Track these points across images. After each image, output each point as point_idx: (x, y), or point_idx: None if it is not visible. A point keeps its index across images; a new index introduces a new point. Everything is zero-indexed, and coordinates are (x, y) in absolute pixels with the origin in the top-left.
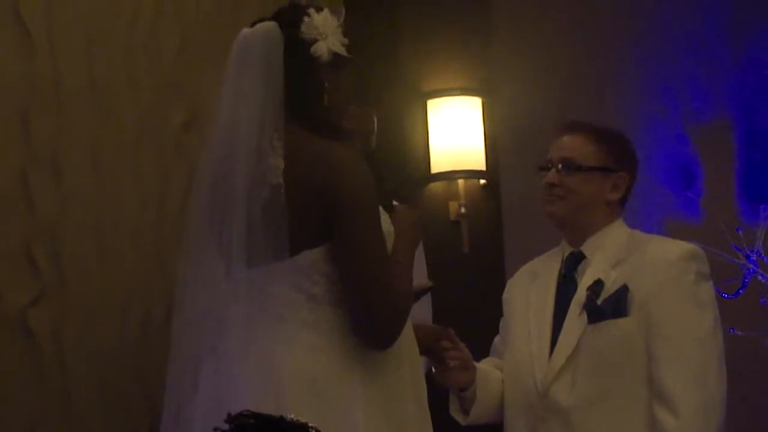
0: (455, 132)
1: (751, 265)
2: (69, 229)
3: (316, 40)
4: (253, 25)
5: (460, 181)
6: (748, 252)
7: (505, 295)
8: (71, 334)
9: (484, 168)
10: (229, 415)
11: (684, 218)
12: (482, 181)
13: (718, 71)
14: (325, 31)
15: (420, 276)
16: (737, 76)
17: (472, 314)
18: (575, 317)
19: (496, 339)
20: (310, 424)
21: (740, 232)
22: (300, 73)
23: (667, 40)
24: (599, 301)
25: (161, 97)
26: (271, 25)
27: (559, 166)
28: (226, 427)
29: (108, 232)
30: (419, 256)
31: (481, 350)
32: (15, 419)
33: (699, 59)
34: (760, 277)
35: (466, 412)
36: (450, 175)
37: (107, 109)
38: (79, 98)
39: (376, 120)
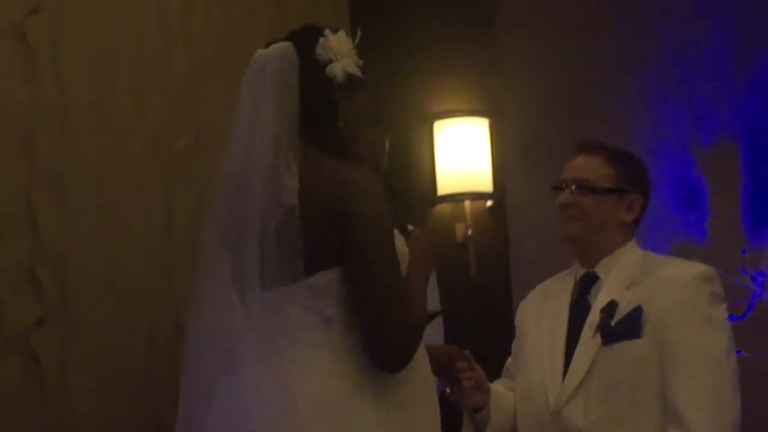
0: (462, 153)
1: (757, 288)
2: (73, 251)
3: (331, 61)
4: (267, 46)
5: (467, 203)
6: (754, 274)
7: (517, 317)
8: (75, 355)
9: (491, 190)
10: None
11: (690, 240)
12: (489, 203)
13: (724, 94)
14: (341, 52)
15: (432, 300)
16: (743, 99)
17: (479, 335)
18: (589, 338)
19: (509, 361)
20: None
21: (746, 254)
22: (315, 93)
23: (674, 62)
24: (613, 323)
25: (167, 119)
26: (286, 46)
27: (573, 186)
28: None
29: (112, 254)
30: (431, 280)
31: (490, 371)
32: None
33: (705, 82)
34: (766, 300)
35: None
36: (457, 197)
37: (112, 131)
38: (84, 120)
39: (387, 142)
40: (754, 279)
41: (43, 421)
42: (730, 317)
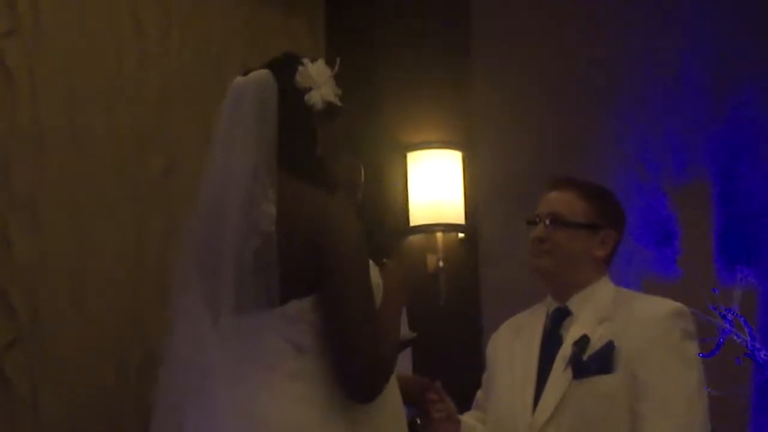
0: (435, 185)
1: (727, 325)
2: (46, 275)
3: (310, 89)
4: (245, 73)
5: (439, 234)
6: (724, 312)
7: (488, 350)
8: (46, 378)
9: (462, 221)
10: None
11: (661, 277)
12: (461, 235)
13: (696, 130)
14: (319, 81)
15: (402, 328)
16: (716, 136)
17: (449, 366)
18: (560, 372)
19: (479, 393)
20: None
21: (716, 292)
22: (294, 121)
23: (646, 98)
24: (584, 357)
25: (141, 144)
26: (264, 73)
27: (547, 221)
28: None
29: (85, 278)
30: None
31: (459, 401)
32: None
33: (678, 118)
34: (735, 337)
35: None
36: (429, 228)
37: (87, 156)
38: (59, 144)
39: (363, 171)
40: (723, 316)
41: None
42: (700, 354)
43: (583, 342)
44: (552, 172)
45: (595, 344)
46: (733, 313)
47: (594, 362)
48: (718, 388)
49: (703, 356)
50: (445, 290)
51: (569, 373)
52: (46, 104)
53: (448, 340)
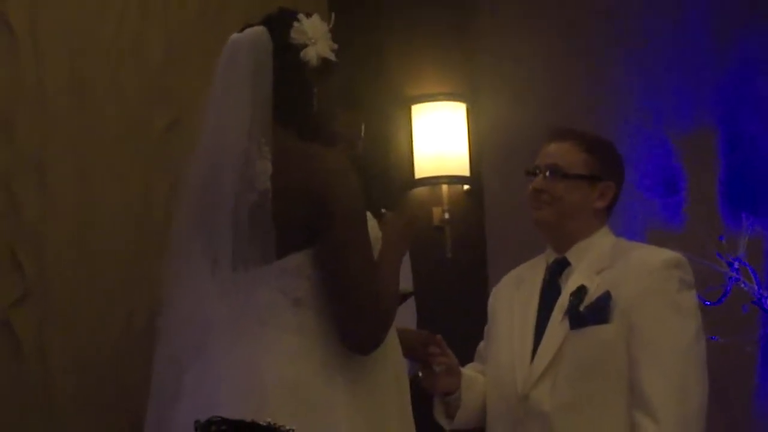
0: (439, 137)
1: (734, 273)
2: (53, 232)
3: (305, 45)
4: (242, 30)
5: (444, 187)
6: (731, 260)
7: (490, 302)
8: (54, 335)
9: (467, 174)
10: (197, 422)
11: (667, 226)
12: (466, 187)
13: (701, 78)
14: (315, 36)
15: (405, 281)
16: (720, 84)
17: (454, 319)
18: (557, 323)
19: (481, 345)
20: (286, 427)
21: (723, 240)
22: (289, 78)
23: (651, 47)
24: (582, 308)
25: (145, 100)
26: (260, 30)
27: (547, 172)
28: None
29: (91, 235)
30: (404, 262)
31: (464, 355)
32: None
33: (682, 66)
34: (742, 285)
35: (450, 416)
36: (434, 181)
37: (91, 113)
38: (64, 101)
39: (363, 126)
40: (730, 264)
41: (21, 397)
42: (707, 303)
43: (580, 293)
44: (556, 124)
45: (593, 295)
46: (739, 261)
47: (590, 312)
48: (725, 336)
49: (709, 304)
50: (451, 242)
51: (566, 323)
52: (49, 62)
53: (454, 293)
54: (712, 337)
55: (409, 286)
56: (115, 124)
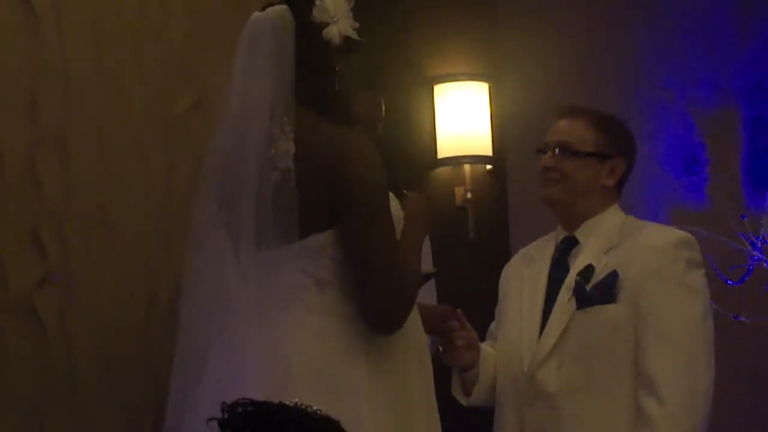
0: (462, 117)
1: (756, 252)
2: (75, 213)
3: (327, 24)
4: (264, 8)
5: (467, 167)
6: (753, 239)
7: (501, 280)
8: (77, 316)
9: (490, 153)
10: (223, 404)
11: (689, 205)
12: (488, 167)
13: (724, 58)
14: (337, 15)
15: (425, 262)
16: (743, 63)
17: (476, 299)
18: (564, 302)
19: (492, 325)
20: (313, 407)
21: (745, 219)
22: (311, 57)
23: (674, 26)
24: (588, 287)
25: (169, 79)
26: (282, 9)
27: (556, 150)
28: (222, 416)
29: (114, 216)
30: (425, 242)
31: (485, 335)
32: (21, 400)
33: (705, 45)
34: (765, 264)
35: (467, 393)
36: (456, 161)
37: (115, 92)
38: (87, 81)
39: (384, 105)
40: (753, 243)
41: (45, 380)
42: (729, 282)
43: (587, 272)
44: (575, 102)
45: (600, 274)
46: (762, 240)
47: (597, 292)
48: (747, 315)
49: (732, 284)
50: (474, 222)
51: (573, 302)
52: (71, 41)
53: (476, 273)
54: (734, 316)
55: (430, 266)
56: (138, 103)
